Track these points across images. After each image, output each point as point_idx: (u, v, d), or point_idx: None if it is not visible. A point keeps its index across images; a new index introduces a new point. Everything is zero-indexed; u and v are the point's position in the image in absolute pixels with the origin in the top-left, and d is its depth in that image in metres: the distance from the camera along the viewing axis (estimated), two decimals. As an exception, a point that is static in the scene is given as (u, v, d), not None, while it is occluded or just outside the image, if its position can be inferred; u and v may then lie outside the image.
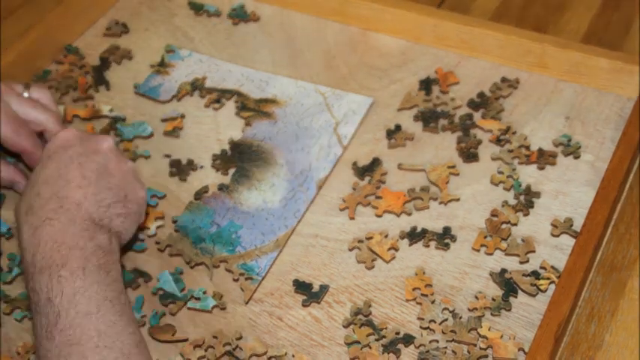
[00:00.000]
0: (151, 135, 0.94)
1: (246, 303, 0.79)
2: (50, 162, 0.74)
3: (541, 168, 0.87)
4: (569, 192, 0.86)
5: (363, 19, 1.03)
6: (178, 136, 0.93)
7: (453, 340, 0.75)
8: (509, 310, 0.77)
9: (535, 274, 0.79)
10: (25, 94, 0.88)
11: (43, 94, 0.89)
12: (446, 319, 0.77)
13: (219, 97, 0.98)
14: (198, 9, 1.07)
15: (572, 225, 0.82)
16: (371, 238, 0.83)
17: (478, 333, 0.75)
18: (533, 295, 0.78)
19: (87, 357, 0.63)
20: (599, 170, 0.86)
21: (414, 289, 0.79)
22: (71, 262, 0.67)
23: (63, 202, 0.71)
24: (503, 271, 0.80)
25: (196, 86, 0.99)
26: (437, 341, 0.75)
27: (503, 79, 0.97)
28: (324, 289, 0.79)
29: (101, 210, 0.73)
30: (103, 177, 0.74)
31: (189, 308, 0.79)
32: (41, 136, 0.86)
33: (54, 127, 0.86)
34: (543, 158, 0.88)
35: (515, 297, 0.78)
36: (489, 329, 0.76)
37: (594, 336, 0.77)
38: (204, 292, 0.79)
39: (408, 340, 0.75)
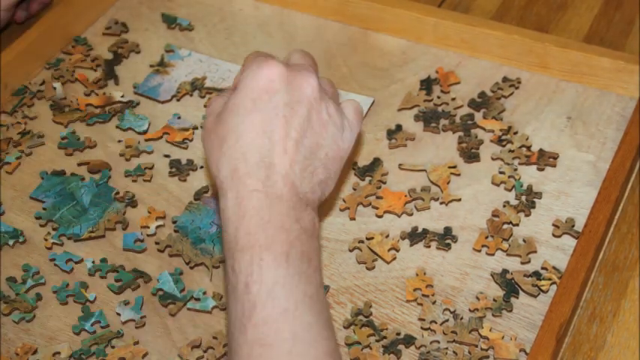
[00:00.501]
0: (144, 133, 0.94)
1: None
2: (255, 109, 0.66)
3: (540, 169, 0.87)
4: (570, 192, 0.85)
5: (364, 18, 1.03)
6: (187, 147, 0.92)
7: (454, 340, 0.75)
8: (510, 310, 0.77)
9: (536, 275, 0.79)
10: None
11: None
12: (447, 320, 0.76)
13: (219, 97, 0.97)
14: (170, 22, 1.06)
15: (573, 225, 0.82)
16: (372, 238, 0.83)
17: (479, 334, 0.75)
18: (535, 296, 0.77)
19: None
20: (600, 170, 0.86)
21: (414, 290, 0.79)
22: (275, 245, 0.62)
23: (270, 172, 0.65)
24: (505, 271, 0.79)
25: (196, 86, 0.98)
26: (438, 342, 0.75)
27: (505, 79, 0.96)
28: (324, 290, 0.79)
29: (305, 181, 0.66)
30: (306, 134, 0.67)
31: (189, 309, 0.78)
32: None
33: None
34: (543, 159, 0.88)
35: (517, 298, 0.78)
36: (490, 330, 0.75)
37: (596, 337, 0.76)
38: (204, 293, 0.79)
39: (409, 340, 0.75)
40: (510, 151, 0.89)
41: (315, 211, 0.67)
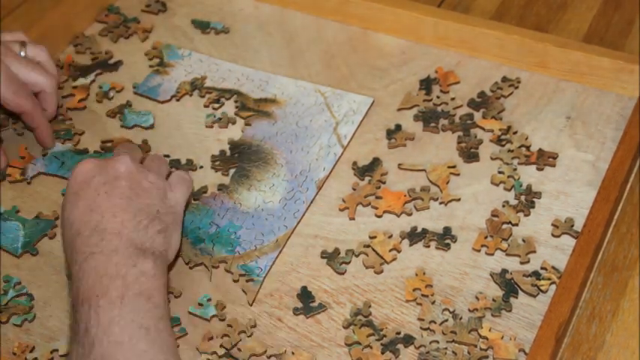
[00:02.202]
0: (151, 127, 0.94)
1: (251, 305, 0.79)
2: (78, 199, 0.74)
3: (540, 169, 0.87)
4: (570, 192, 0.85)
5: (363, 18, 1.03)
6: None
7: (453, 340, 0.75)
8: (509, 310, 0.77)
9: (536, 275, 0.79)
10: (22, 53, 0.90)
11: (40, 51, 0.91)
12: (446, 320, 0.76)
13: (218, 96, 0.97)
14: (204, 27, 1.06)
15: (573, 225, 0.82)
16: (374, 237, 0.83)
17: (478, 334, 0.75)
18: (534, 296, 0.77)
19: None
20: (600, 170, 0.86)
21: (414, 290, 0.79)
22: (111, 291, 0.68)
23: (103, 235, 0.71)
24: (504, 271, 0.79)
25: (196, 86, 0.98)
26: (437, 342, 0.75)
27: (504, 79, 0.96)
28: (320, 308, 0.79)
29: (141, 234, 0.73)
30: (132, 200, 0.74)
31: (189, 312, 0.79)
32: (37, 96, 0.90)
33: (51, 89, 0.89)
34: (542, 159, 0.88)
35: (516, 297, 0.78)
36: (490, 330, 0.75)
37: (595, 336, 0.76)
38: (209, 300, 0.79)
39: (408, 340, 0.75)
40: (510, 150, 0.89)
41: (157, 258, 0.72)
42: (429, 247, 0.82)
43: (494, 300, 0.77)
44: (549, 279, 0.78)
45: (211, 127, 0.94)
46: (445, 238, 0.82)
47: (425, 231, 0.83)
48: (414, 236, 0.83)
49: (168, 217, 0.76)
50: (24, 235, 0.84)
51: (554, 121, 0.92)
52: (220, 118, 0.94)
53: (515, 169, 0.87)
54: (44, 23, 1.02)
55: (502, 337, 0.75)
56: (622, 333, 0.76)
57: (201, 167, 0.91)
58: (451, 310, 0.77)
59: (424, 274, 0.80)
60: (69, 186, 0.76)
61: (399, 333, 0.76)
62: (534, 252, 0.81)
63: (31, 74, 0.88)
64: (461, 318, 0.76)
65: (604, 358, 0.75)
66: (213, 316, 0.78)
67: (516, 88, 0.95)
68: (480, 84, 0.96)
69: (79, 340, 0.67)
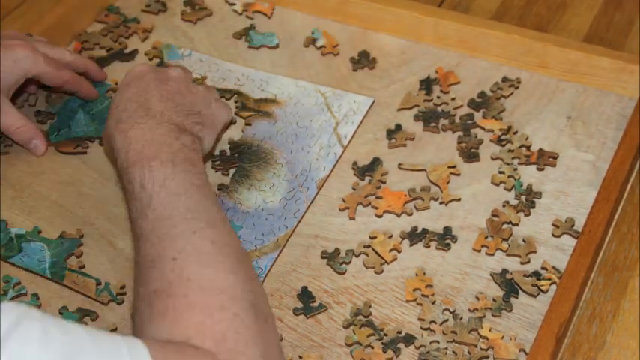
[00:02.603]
0: (277, 46, 1.01)
1: None
2: (129, 87, 0.81)
3: (540, 169, 0.87)
4: (570, 192, 0.85)
5: (363, 18, 1.03)
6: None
7: (453, 340, 0.75)
8: (510, 310, 0.77)
9: (536, 275, 0.79)
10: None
11: (42, 38, 0.97)
12: (446, 320, 0.76)
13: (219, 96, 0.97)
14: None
15: (573, 225, 0.82)
16: (375, 237, 0.83)
17: (479, 333, 0.75)
18: (534, 296, 0.77)
19: (176, 226, 0.69)
20: (600, 170, 0.86)
21: (414, 290, 0.79)
22: (161, 155, 0.73)
23: (148, 111, 0.78)
24: (504, 271, 0.79)
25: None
26: (437, 342, 0.75)
27: (505, 79, 0.96)
28: (321, 308, 0.79)
29: (181, 117, 0.79)
30: (178, 96, 0.81)
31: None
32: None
33: (73, 58, 0.95)
34: (543, 159, 0.88)
35: (516, 297, 0.77)
36: (490, 330, 0.75)
37: (595, 337, 0.76)
38: None
39: (409, 339, 0.75)
40: (510, 150, 0.89)
41: (196, 138, 0.79)
42: (429, 247, 0.82)
43: (494, 300, 0.77)
44: (549, 279, 0.78)
45: None
46: (445, 238, 0.82)
47: (425, 231, 0.83)
48: (415, 236, 0.83)
49: (207, 119, 0.83)
50: (50, 256, 0.83)
51: (554, 121, 0.92)
52: None
53: (515, 169, 0.87)
54: (44, 23, 1.02)
55: (502, 337, 0.75)
56: (622, 333, 0.76)
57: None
58: (451, 310, 0.77)
59: (424, 274, 0.80)
60: (123, 80, 0.83)
61: (399, 332, 0.76)
62: (535, 252, 0.81)
63: (54, 51, 0.94)
64: (461, 318, 0.76)
65: (604, 358, 0.75)
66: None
67: (516, 88, 0.95)
68: (480, 84, 0.96)
69: (135, 196, 0.72)
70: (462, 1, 1.09)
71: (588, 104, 0.93)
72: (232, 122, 0.93)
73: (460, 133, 0.91)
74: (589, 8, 1.07)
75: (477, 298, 0.78)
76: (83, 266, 0.82)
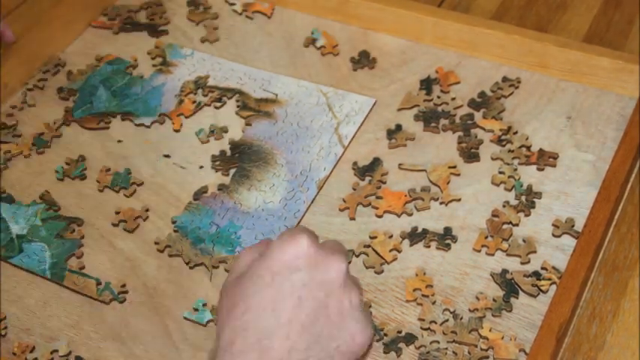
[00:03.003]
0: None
1: None
2: (270, 287, 0.64)
3: (540, 169, 0.87)
4: (570, 192, 0.85)
5: (363, 18, 1.03)
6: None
7: (453, 340, 0.75)
8: (510, 310, 0.77)
9: (536, 275, 0.79)
10: None
11: None
12: (447, 320, 0.76)
13: (220, 95, 0.97)
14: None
15: (573, 225, 0.82)
16: (375, 237, 0.82)
17: (479, 334, 0.75)
18: (535, 296, 0.77)
19: None
20: (600, 170, 0.86)
21: (414, 290, 0.79)
22: None
23: (263, 357, 0.62)
24: (504, 271, 0.79)
25: (199, 85, 0.98)
26: (437, 342, 0.75)
27: (505, 79, 0.96)
28: None
29: None
30: (318, 322, 0.64)
31: (185, 318, 0.78)
32: None
33: None
34: (543, 159, 0.88)
35: (517, 298, 0.77)
36: (490, 330, 0.75)
37: (596, 337, 0.76)
38: (204, 305, 0.79)
39: (410, 339, 0.75)
40: (510, 151, 0.89)
41: None
42: (429, 247, 0.82)
43: (494, 300, 0.77)
44: (550, 279, 0.78)
45: (207, 142, 0.93)
46: (446, 238, 0.82)
47: (425, 231, 0.83)
48: (415, 236, 0.83)
49: (343, 358, 0.65)
50: (50, 256, 0.83)
51: (554, 121, 0.92)
52: (213, 130, 0.94)
53: (515, 170, 0.87)
54: (44, 23, 1.01)
55: (502, 338, 0.75)
56: (622, 333, 0.76)
57: (202, 167, 0.90)
58: (451, 310, 0.77)
59: (424, 274, 0.80)
60: (271, 258, 0.65)
61: (400, 331, 0.76)
62: (535, 252, 0.80)
63: None
64: (461, 318, 0.76)
65: (604, 358, 0.75)
66: (210, 320, 0.78)
67: (517, 88, 0.95)
68: (481, 84, 0.96)
69: None
70: (462, 0, 1.09)
71: (588, 104, 0.93)
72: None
73: (460, 133, 0.91)
74: (589, 8, 1.07)
75: (477, 298, 0.78)
76: (83, 267, 0.82)
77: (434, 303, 0.78)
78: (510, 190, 0.86)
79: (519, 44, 0.96)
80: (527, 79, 0.96)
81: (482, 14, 1.06)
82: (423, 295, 0.78)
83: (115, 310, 0.79)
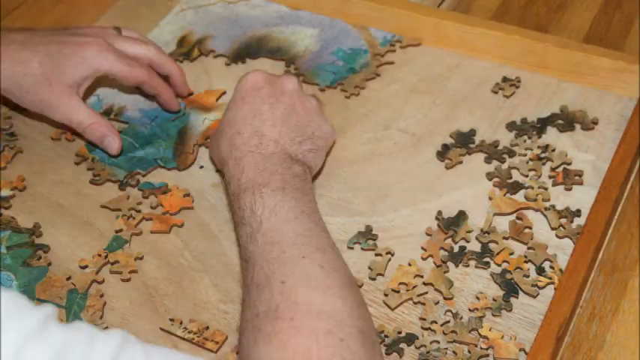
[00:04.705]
0: None
1: None
2: (244, 103, 0.81)
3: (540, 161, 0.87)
4: (570, 192, 0.85)
5: (363, 18, 1.03)
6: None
7: (454, 340, 0.75)
8: (510, 310, 0.77)
9: (540, 271, 0.78)
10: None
11: (134, 32, 0.95)
12: (448, 321, 0.76)
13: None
14: None
15: (573, 225, 0.82)
16: (411, 265, 0.81)
17: (479, 333, 0.75)
18: (534, 296, 0.77)
19: (285, 251, 0.69)
20: (600, 170, 0.86)
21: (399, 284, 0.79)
22: (272, 183, 0.74)
23: (262, 139, 0.78)
24: (505, 271, 0.79)
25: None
26: (438, 342, 0.75)
27: (505, 79, 0.96)
28: None
29: (294, 147, 0.79)
30: (291, 116, 0.81)
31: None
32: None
33: (158, 58, 0.92)
34: (540, 161, 0.87)
35: (517, 297, 0.77)
36: (490, 329, 0.75)
37: (595, 336, 0.76)
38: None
39: (411, 339, 0.75)
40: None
41: (307, 167, 0.79)
42: (468, 266, 0.80)
43: (494, 300, 0.77)
44: (550, 278, 0.78)
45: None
46: (484, 256, 0.81)
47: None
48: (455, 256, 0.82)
49: (320, 141, 0.82)
50: (18, 286, 0.80)
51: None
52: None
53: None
54: (44, 23, 1.02)
55: (502, 337, 0.75)
56: (622, 333, 0.76)
57: (202, 167, 0.90)
58: (453, 311, 0.77)
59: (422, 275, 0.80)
60: (237, 89, 0.83)
61: (400, 332, 0.76)
62: (549, 260, 0.80)
63: (136, 47, 0.91)
64: (461, 318, 0.76)
65: (604, 357, 0.75)
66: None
67: (517, 88, 0.95)
68: (481, 84, 0.96)
69: (245, 221, 0.72)
70: (462, 0, 1.09)
71: (589, 105, 0.93)
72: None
73: (460, 133, 0.91)
74: (589, 8, 1.07)
75: (477, 298, 0.78)
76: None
77: (437, 303, 0.78)
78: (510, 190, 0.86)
79: (520, 45, 0.96)
80: (528, 80, 0.96)
81: (483, 14, 1.06)
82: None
83: (113, 310, 0.79)
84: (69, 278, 0.80)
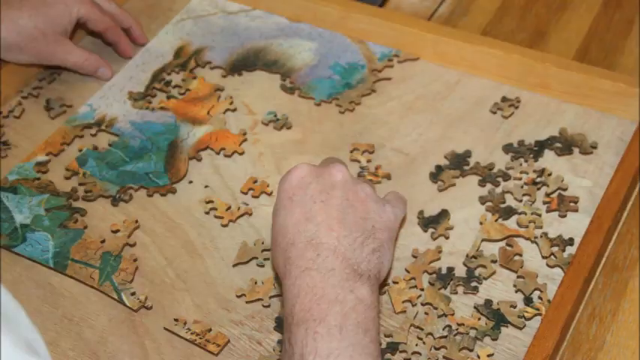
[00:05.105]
0: None
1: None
2: (293, 206, 0.72)
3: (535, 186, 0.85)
4: (564, 219, 0.83)
5: (363, 32, 1.01)
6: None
7: (444, 357, 0.74)
8: (495, 339, 0.75)
9: (525, 305, 0.77)
10: None
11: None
12: (445, 336, 0.75)
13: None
14: None
15: (564, 254, 0.80)
16: (397, 283, 0.80)
17: (469, 351, 0.74)
18: (520, 328, 0.75)
19: None
20: (596, 197, 0.83)
21: (403, 302, 0.78)
22: (329, 318, 0.65)
23: (319, 250, 0.69)
24: (488, 302, 0.77)
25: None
26: (420, 354, 0.74)
27: (504, 99, 0.94)
28: None
29: (357, 253, 0.69)
30: (347, 213, 0.71)
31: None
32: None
33: (120, 12, 1.01)
34: (536, 185, 0.85)
35: (507, 327, 0.76)
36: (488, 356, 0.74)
37: (595, 337, 0.75)
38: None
39: (396, 346, 0.74)
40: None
41: (372, 284, 0.69)
42: (456, 293, 0.79)
43: (486, 323, 0.76)
44: (537, 309, 0.76)
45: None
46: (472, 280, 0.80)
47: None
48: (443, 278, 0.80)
49: (384, 234, 0.73)
50: (54, 246, 0.83)
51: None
52: None
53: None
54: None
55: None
56: (622, 333, 0.75)
57: (191, 182, 0.90)
58: (453, 327, 0.76)
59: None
60: (283, 189, 0.73)
61: (388, 337, 0.75)
62: (538, 290, 0.78)
63: (111, 5, 1.02)
64: (455, 335, 0.75)
65: (604, 358, 0.74)
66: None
67: (516, 108, 0.93)
68: (480, 103, 0.94)
69: None
70: (462, 1, 1.07)
71: (588, 127, 0.91)
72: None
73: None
74: (589, 8, 1.06)
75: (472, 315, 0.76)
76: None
77: (439, 316, 0.76)
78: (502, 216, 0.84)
79: (520, 64, 0.94)
80: (528, 100, 0.94)
81: (483, 15, 1.05)
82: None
83: (113, 306, 0.79)
84: (103, 241, 0.83)
